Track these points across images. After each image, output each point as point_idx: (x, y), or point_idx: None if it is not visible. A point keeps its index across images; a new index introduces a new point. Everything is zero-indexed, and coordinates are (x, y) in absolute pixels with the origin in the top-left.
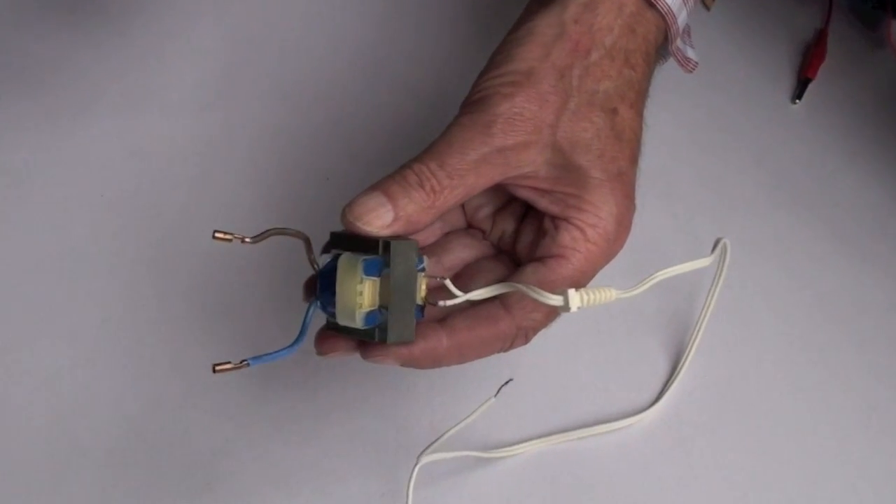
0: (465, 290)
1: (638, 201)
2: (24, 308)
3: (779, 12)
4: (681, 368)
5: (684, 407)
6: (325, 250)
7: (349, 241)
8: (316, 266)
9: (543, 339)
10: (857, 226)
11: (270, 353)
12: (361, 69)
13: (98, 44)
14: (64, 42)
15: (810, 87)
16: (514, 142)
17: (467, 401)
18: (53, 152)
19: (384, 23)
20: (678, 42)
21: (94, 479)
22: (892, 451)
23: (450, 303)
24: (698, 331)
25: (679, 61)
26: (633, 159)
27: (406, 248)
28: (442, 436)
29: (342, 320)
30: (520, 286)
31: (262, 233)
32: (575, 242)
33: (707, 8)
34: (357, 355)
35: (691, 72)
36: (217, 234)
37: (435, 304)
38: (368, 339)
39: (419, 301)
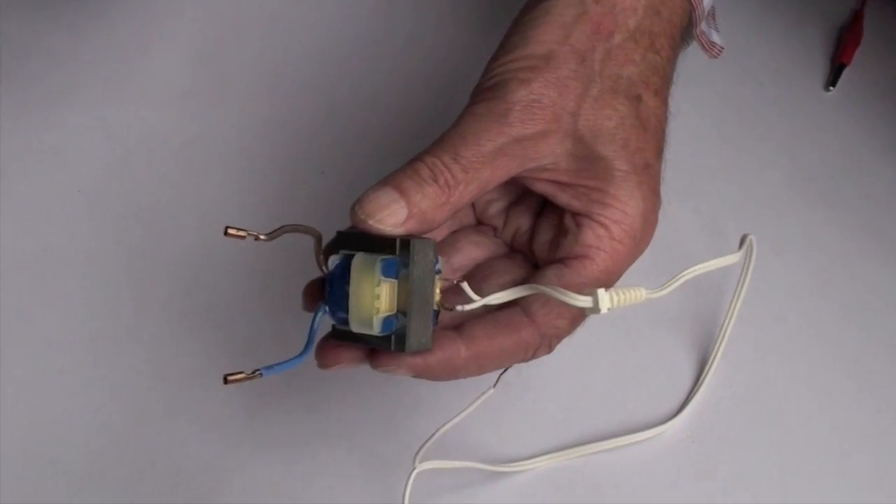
0: (477, 293)
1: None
2: None
3: None
4: (705, 376)
5: (710, 417)
6: (330, 251)
7: (358, 241)
8: (325, 268)
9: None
10: (893, 223)
11: (281, 363)
12: (357, 52)
13: (73, 28)
14: (36, 26)
15: (845, 73)
16: (532, 131)
17: (466, 395)
18: (25, 145)
19: (381, 1)
20: (703, 25)
21: (72, 497)
22: None
23: (468, 307)
24: (723, 335)
25: (703, 46)
26: (659, 151)
27: (425, 248)
28: (437, 431)
29: (356, 327)
30: (544, 288)
31: (277, 229)
32: (599, 241)
33: None
34: (363, 366)
35: (716, 57)
36: (230, 231)
37: (451, 309)
38: (382, 348)
39: (435, 306)
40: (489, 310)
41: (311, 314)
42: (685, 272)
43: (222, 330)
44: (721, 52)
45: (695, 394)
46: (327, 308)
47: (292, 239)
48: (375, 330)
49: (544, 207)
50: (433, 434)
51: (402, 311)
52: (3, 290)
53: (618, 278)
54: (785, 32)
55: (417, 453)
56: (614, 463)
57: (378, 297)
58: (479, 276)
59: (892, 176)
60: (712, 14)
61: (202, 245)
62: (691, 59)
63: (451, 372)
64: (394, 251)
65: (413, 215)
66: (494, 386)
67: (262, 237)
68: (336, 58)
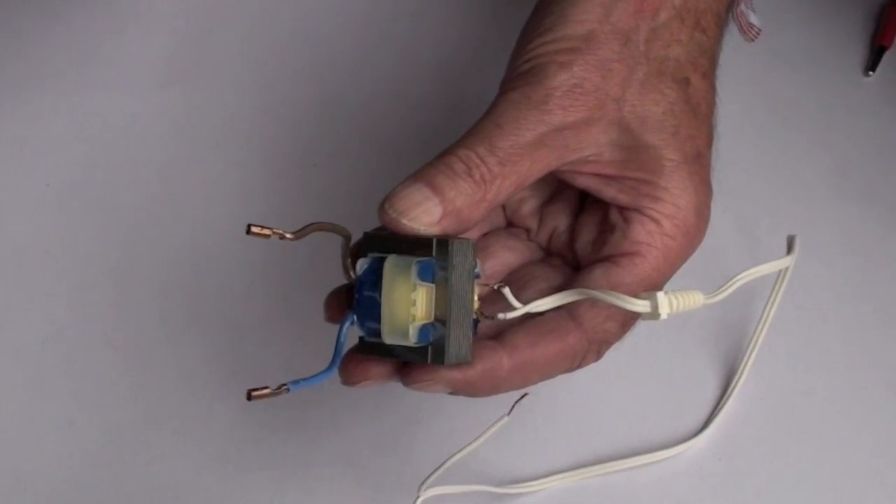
0: (517, 301)
1: None
2: None
3: None
4: (734, 387)
5: (738, 434)
6: (356, 255)
7: (389, 243)
8: (352, 273)
9: None
10: None
11: (309, 378)
12: (353, 35)
13: (43, 6)
14: (1, 4)
15: (886, 56)
16: (574, 119)
17: (479, 425)
18: None
19: None
20: (742, 5)
21: None
22: None
23: (509, 315)
24: (754, 344)
25: (741, 28)
26: (710, 138)
27: (465, 249)
28: (445, 462)
29: (389, 337)
30: (596, 292)
31: (304, 227)
32: (651, 237)
33: None
34: (393, 383)
35: (753, 40)
36: (253, 229)
37: (493, 318)
38: (416, 361)
39: (474, 314)
40: (530, 315)
41: (335, 325)
42: (740, 275)
43: (208, 338)
44: (758, 34)
45: (721, 407)
46: (355, 317)
47: (286, 242)
48: (412, 340)
49: (584, 204)
50: (441, 464)
51: (439, 320)
52: None
53: (668, 278)
54: (820, 12)
55: (424, 483)
56: (632, 484)
57: (414, 303)
58: (515, 284)
59: None
60: None
61: (186, 246)
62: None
63: (493, 385)
64: (430, 252)
65: (448, 213)
66: (509, 414)
67: (287, 236)
68: (330, 41)
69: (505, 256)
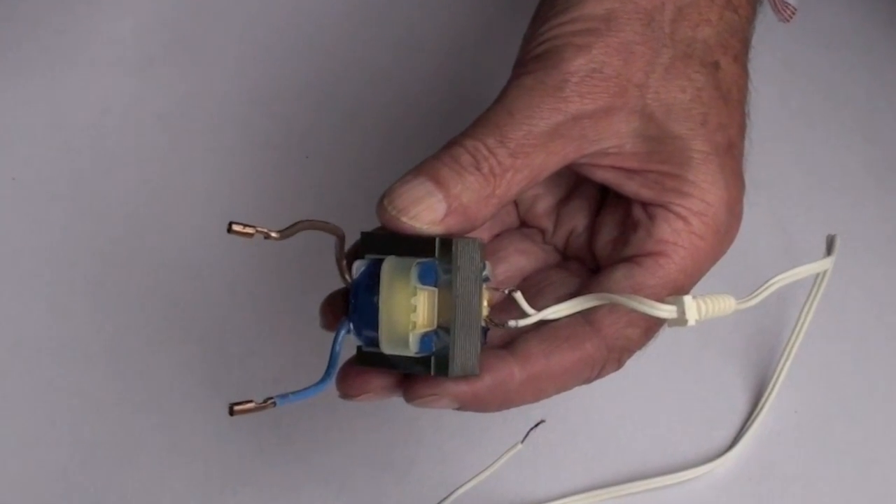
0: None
1: None
2: None
3: None
4: (765, 402)
5: (769, 452)
6: (352, 256)
7: (388, 243)
8: (348, 276)
9: None
10: None
11: (299, 392)
12: (350, 14)
13: None
14: None
15: None
16: (593, 107)
17: (487, 448)
18: None
19: None
20: None
21: None
22: None
23: (522, 323)
24: (788, 353)
25: (775, 6)
26: (742, 127)
27: (471, 249)
28: (453, 493)
29: (388, 346)
30: (617, 297)
31: (291, 226)
32: (677, 235)
33: None
34: (396, 397)
35: (787, 20)
36: (235, 228)
37: (503, 326)
38: (419, 373)
39: (482, 321)
40: (544, 322)
41: (331, 333)
42: (774, 279)
43: (192, 347)
44: (794, 14)
45: (752, 423)
46: (351, 325)
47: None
48: (412, 349)
49: (604, 202)
50: (450, 494)
51: (442, 327)
52: None
53: (697, 281)
54: None
55: None
56: None
57: (415, 308)
58: (530, 292)
59: None
60: None
61: (167, 245)
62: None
63: (503, 399)
64: (432, 253)
65: (453, 210)
66: (523, 441)
67: (273, 235)
68: (324, 19)
69: (518, 261)
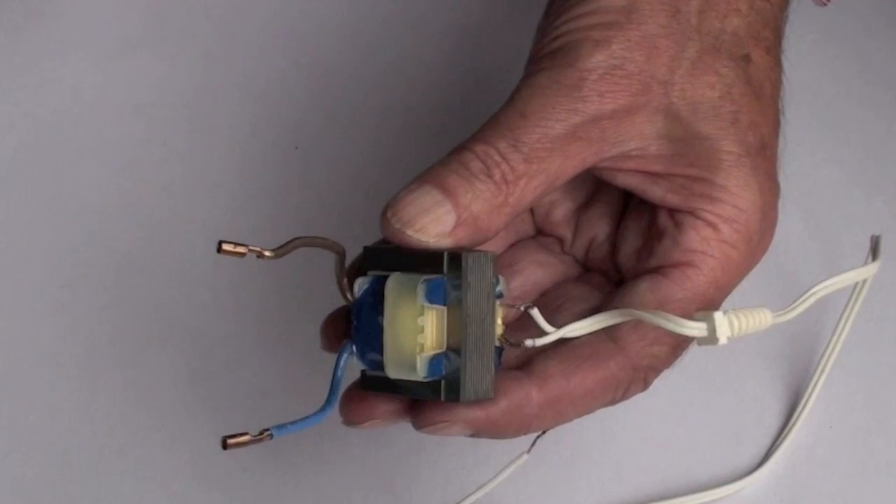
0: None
1: None
2: None
3: None
4: (798, 416)
5: (803, 470)
6: (354, 273)
7: (392, 259)
8: (350, 294)
9: None
10: None
11: (298, 421)
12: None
13: None
14: None
15: None
16: (613, 107)
17: (492, 462)
18: None
19: None
20: None
21: None
22: None
23: (540, 342)
24: (825, 363)
25: None
26: (776, 124)
27: (482, 263)
28: None
29: (393, 371)
30: (641, 313)
31: (286, 244)
32: (706, 244)
33: None
34: (404, 423)
35: (825, 4)
36: (225, 247)
37: (519, 345)
38: (428, 398)
39: (496, 341)
40: (563, 341)
41: (334, 355)
42: (815, 288)
43: (172, 359)
44: None
45: (784, 438)
46: (354, 347)
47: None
48: (420, 374)
49: (628, 207)
50: None
51: (453, 349)
52: None
53: (728, 293)
54: None
55: None
56: None
57: (422, 329)
58: (549, 308)
59: None
60: None
61: (145, 245)
62: (792, 7)
63: (520, 424)
64: (440, 269)
65: (463, 221)
66: (529, 451)
67: (266, 254)
68: (314, 7)
69: (535, 274)
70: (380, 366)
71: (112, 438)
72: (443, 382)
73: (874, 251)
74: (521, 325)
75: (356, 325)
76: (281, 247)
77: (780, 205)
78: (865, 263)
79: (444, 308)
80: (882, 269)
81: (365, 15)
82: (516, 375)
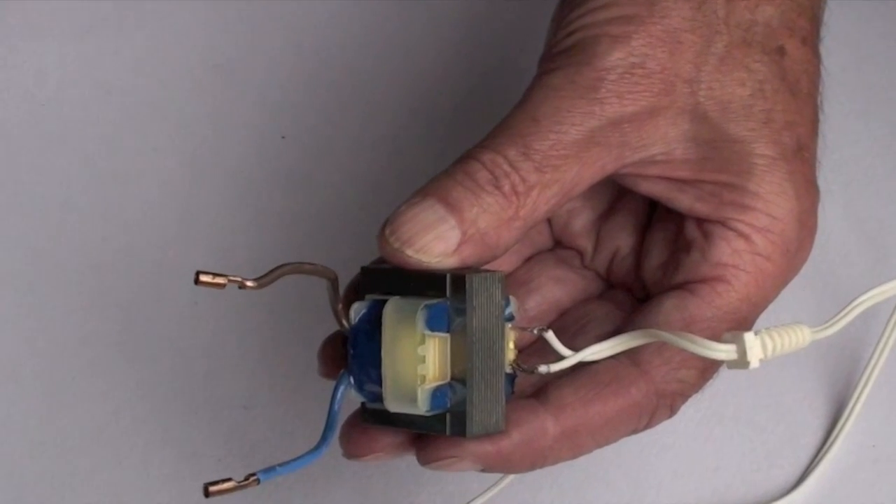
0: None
1: None
2: None
3: None
4: (838, 433)
5: (842, 492)
6: (352, 296)
7: (393, 281)
8: (346, 321)
9: None
10: None
11: (288, 463)
12: None
13: None
14: None
15: None
16: (634, 109)
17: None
18: None
19: None
20: None
21: None
22: None
23: (556, 367)
24: (868, 377)
25: None
26: (814, 123)
27: (489, 285)
28: None
29: (393, 404)
30: (665, 334)
31: (270, 272)
32: (738, 257)
33: None
34: (410, 456)
35: None
36: (202, 279)
37: (532, 372)
38: (433, 432)
39: (507, 368)
40: (582, 364)
41: (332, 384)
42: (859, 299)
43: (146, 369)
44: None
45: (822, 458)
46: (352, 379)
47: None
48: (421, 407)
49: (653, 216)
50: None
51: (458, 379)
52: None
53: (762, 310)
54: None
55: None
56: None
57: (423, 359)
58: (570, 330)
59: None
60: None
61: (115, 245)
62: None
63: (535, 458)
64: (443, 292)
65: (469, 238)
66: None
67: (248, 284)
68: None
69: (553, 292)
70: (379, 398)
71: (79, 459)
72: (448, 416)
73: None
74: (539, 349)
75: (353, 355)
76: (264, 276)
77: (825, 215)
78: None
79: (448, 335)
80: None
81: (378, 14)
82: (530, 404)
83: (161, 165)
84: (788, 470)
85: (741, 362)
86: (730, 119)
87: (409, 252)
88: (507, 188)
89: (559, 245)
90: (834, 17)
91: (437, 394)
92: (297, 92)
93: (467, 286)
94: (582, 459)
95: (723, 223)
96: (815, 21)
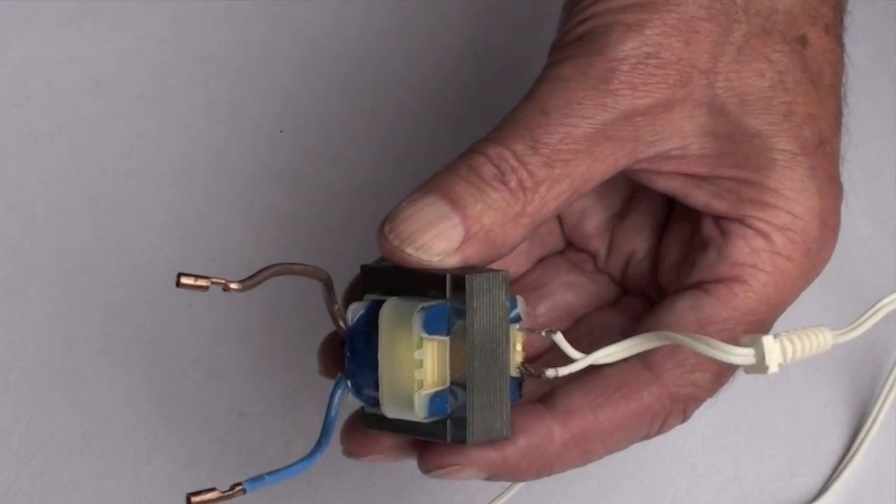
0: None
1: None
2: None
3: None
4: (862, 440)
5: (870, 500)
6: (352, 296)
7: (393, 280)
8: (343, 322)
9: None
10: None
11: (278, 472)
12: None
13: None
14: None
15: None
16: (648, 101)
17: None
18: None
19: None
20: None
21: None
22: None
23: (564, 371)
24: (893, 381)
25: None
26: (837, 117)
27: (490, 285)
28: None
29: (391, 409)
30: (679, 337)
31: (256, 274)
32: (757, 256)
33: None
34: (412, 460)
35: None
36: (183, 281)
37: (540, 376)
38: (434, 439)
39: (513, 371)
40: (591, 367)
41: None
42: (884, 301)
43: (136, 374)
44: None
45: (844, 468)
46: (349, 383)
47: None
48: (419, 414)
49: (671, 217)
50: None
51: (458, 384)
52: None
53: (781, 313)
54: None
55: None
56: None
57: (421, 364)
58: (584, 341)
59: None
60: None
61: (102, 244)
62: None
63: (542, 466)
64: (443, 293)
65: (472, 236)
66: None
67: (232, 286)
68: None
69: (566, 298)
70: (378, 403)
71: (68, 468)
72: (448, 422)
73: None
74: (555, 357)
75: (350, 358)
76: (250, 278)
77: (849, 214)
78: None
79: (447, 339)
80: None
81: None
82: (536, 410)
83: (152, 161)
84: (810, 479)
85: (759, 367)
86: (748, 112)
87: (409, 250)
88: (513, 184)
89: (571, 247)
90: (858, 4)
91: (435, 399)
92: (296, 84)
93: (467, 286)
94: (594, 469)
95: (741, 221)
96: (839, 9)
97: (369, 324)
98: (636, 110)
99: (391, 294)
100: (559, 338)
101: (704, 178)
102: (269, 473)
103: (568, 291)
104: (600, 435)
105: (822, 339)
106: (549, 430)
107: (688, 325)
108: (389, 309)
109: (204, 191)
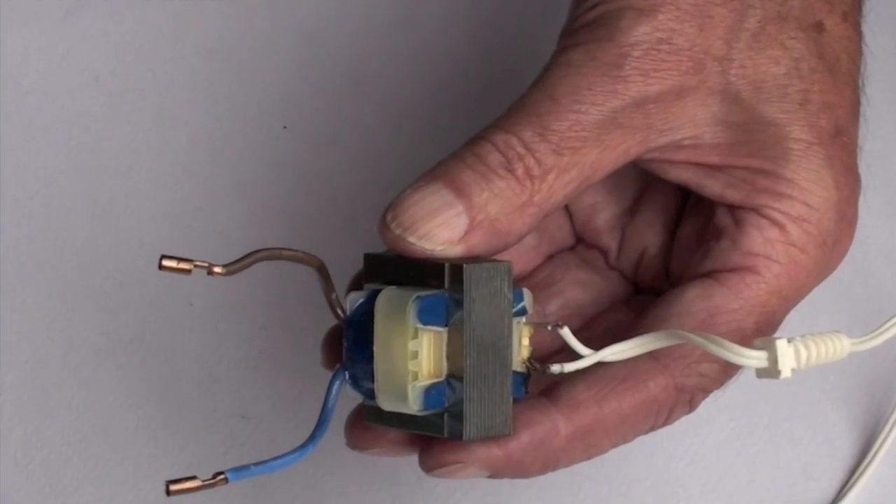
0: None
1: None
2: None
3: None
4: (877, 450)
5: None
6: (355, 286)
7: (395, 269)
8: (341, 311)
9: None
10: None
11: (266, 462)
12: None
13: None
14: None
15: None
16: (660, 88)
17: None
18: None
19: None
20: None
21: None
22: None
23: (570, 367)
24: None
25: None
26: (854, 105)
27: (490, 275)
28: None
29: (386, 402)
30: (690, 336)
31: (243, 258)
32: (770, 247)
33: None
34: (414, 455)
35: None
36: (165, 263)
37: (544, 372)
38: (431, 433)
39: (518, 366)
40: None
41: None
42: None
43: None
44: None
45: (859, 477)
46: (347, 374)
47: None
48: (413, 407)
49: (684, 210)
50: None
51: (456, 377)
52: None
53: (793, 306)
54: None
55: None
56: None
57: (415, 355)
58: (596, 344)
59: None
60: None
61: (99, 241)
62: None
63: (546, 462)
64: (442, 283)
65: (477, 225)
66: None
67: (216, 270)
68: None
69: (576, 296)
70: (373, 395)
71: (66, 471)
72: (446, 416)
73: None
74: (565, 351)
75: (347, 348)
76: (235, 262)
77: (867, 206)
78: None
79: (444, 330)
80: None
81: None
82: (540, 404)
83: (153, 157)
84: (826, 484)
85: (772, 371)
86: (763, 100)
87: (412, 239)
88: (520, 172)
89: (581, 243)
90: None
91: (431, 392)
92: (300, 78)
93: (465, 276)
94: (605, 473)
95: (756, 211)
96: None
97: (367, 314)
98: (648, 97)
99: (392, 284)
100: (566, 332)
101: (718, 168)
102: (256, 464)
103: (578, 289)
104: (606, 428)
105: (839, 346)
106: (553, 424)
107: (696, 314)
108: (385, 298)
109: (206, 187)
